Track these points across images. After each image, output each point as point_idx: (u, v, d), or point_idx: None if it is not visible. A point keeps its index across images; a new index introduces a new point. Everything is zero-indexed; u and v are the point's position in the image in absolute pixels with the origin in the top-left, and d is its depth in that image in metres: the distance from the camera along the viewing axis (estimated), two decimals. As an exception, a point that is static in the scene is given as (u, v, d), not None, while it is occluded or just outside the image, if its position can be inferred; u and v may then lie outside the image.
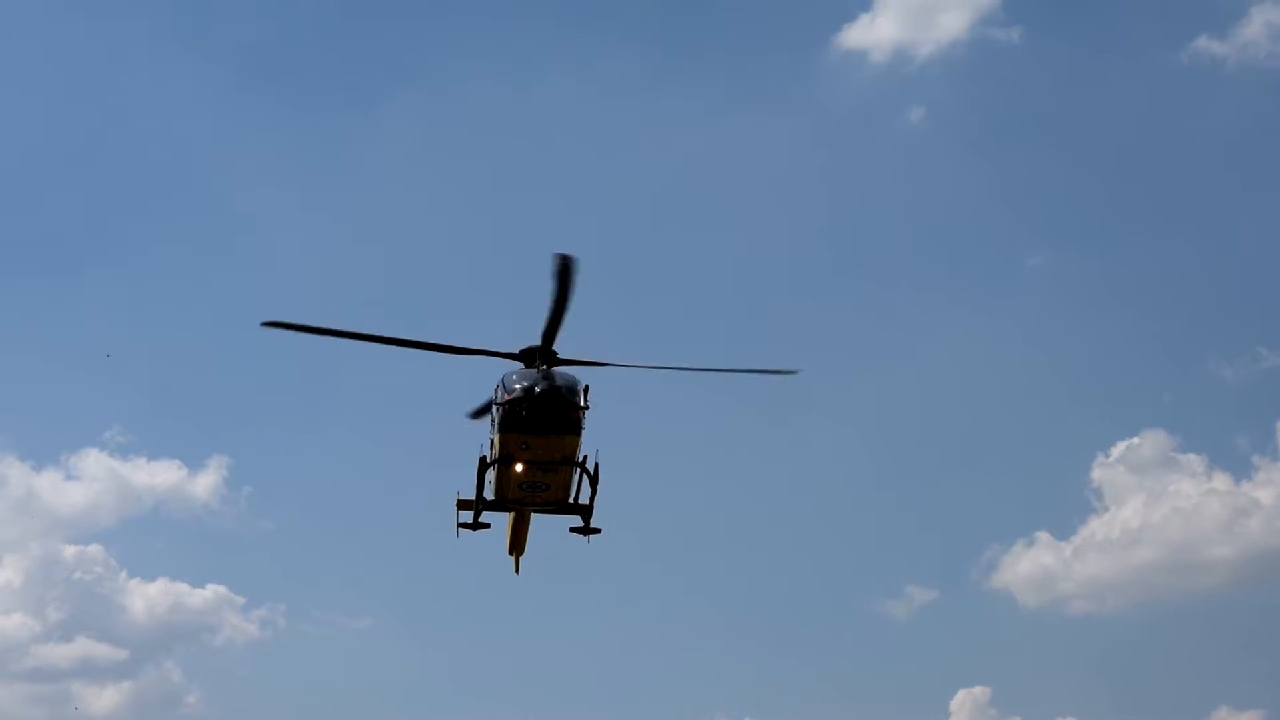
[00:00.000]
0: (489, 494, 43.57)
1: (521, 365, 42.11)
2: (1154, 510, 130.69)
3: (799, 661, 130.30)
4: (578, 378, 41.47)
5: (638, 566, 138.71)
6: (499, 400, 41.58)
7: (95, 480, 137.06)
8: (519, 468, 41.74)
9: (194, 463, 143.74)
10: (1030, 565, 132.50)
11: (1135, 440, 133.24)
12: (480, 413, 43.89)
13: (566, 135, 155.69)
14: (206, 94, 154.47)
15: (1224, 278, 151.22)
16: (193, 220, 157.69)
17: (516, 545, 47.74)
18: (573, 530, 44.73)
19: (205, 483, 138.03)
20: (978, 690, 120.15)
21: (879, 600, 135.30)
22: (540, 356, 41.70)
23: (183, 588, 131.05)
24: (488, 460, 42.87)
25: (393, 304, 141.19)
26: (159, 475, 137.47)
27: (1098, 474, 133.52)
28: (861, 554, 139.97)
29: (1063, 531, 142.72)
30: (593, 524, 44.47)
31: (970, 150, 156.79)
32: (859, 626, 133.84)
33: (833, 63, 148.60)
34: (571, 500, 43.67)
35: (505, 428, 41.05)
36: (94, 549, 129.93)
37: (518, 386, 41.04)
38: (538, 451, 41.14)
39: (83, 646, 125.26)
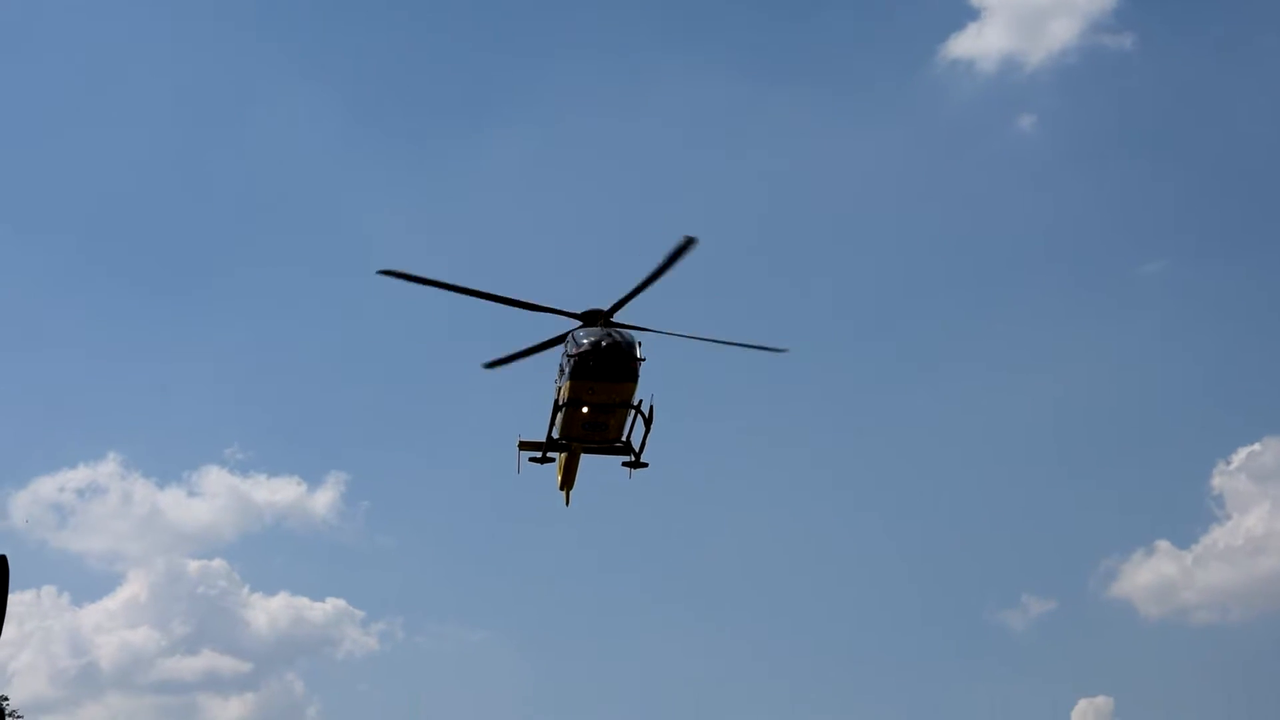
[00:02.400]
0: (555, 433, 51.17)
1: (583, 324, 49.03)
2: (1278, 518, 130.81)
3: (916, 674, 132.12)
4: (634, 335, 48.61)
5: (753, 584, 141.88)
6: (570, 352, 48.69)
7: (217, 497, 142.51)
8: (585, 410, 48.97)
9: (312, 479, 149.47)
10: (1150, 575, 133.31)
11: (1256, 447, 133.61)
12: (495, 363, 51.49)
13: (675, 153, 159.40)
14: (324, 120, 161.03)
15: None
16: (311, 241, 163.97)
17: (568, 481, 54.64)
18: (624, 464, 51.92)
19: (324, 499, 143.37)
20: (1100, 700, 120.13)
21: (996, 611, 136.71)
22: (601, 318, 48.76)
23: (303, 602, 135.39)
24: (557, 405, 50.04)
25: (500, 323, 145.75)
26: (279, 492, 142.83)
27: (1219, 481, 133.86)
28: (978, 564, 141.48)
29: (1184, 540, 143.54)
30: (643, 467, 52.15)
31: (1083, 157, 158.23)
32: (975, 637, 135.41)
33: (940, 73, 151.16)
34: (624, 440, 51.06)
35: (575, 375, 48.16)
36: (218, 563, 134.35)
37: (586, 341, 48.13)
38: (601, 395, 48.41)
39: (208, 659, 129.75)
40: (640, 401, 49.04)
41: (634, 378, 47.86)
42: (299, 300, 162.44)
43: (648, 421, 49.66)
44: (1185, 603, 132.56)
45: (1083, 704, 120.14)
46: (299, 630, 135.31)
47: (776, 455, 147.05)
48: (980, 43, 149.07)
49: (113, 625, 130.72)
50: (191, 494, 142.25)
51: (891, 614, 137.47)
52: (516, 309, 48.63)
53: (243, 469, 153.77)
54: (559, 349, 49.83)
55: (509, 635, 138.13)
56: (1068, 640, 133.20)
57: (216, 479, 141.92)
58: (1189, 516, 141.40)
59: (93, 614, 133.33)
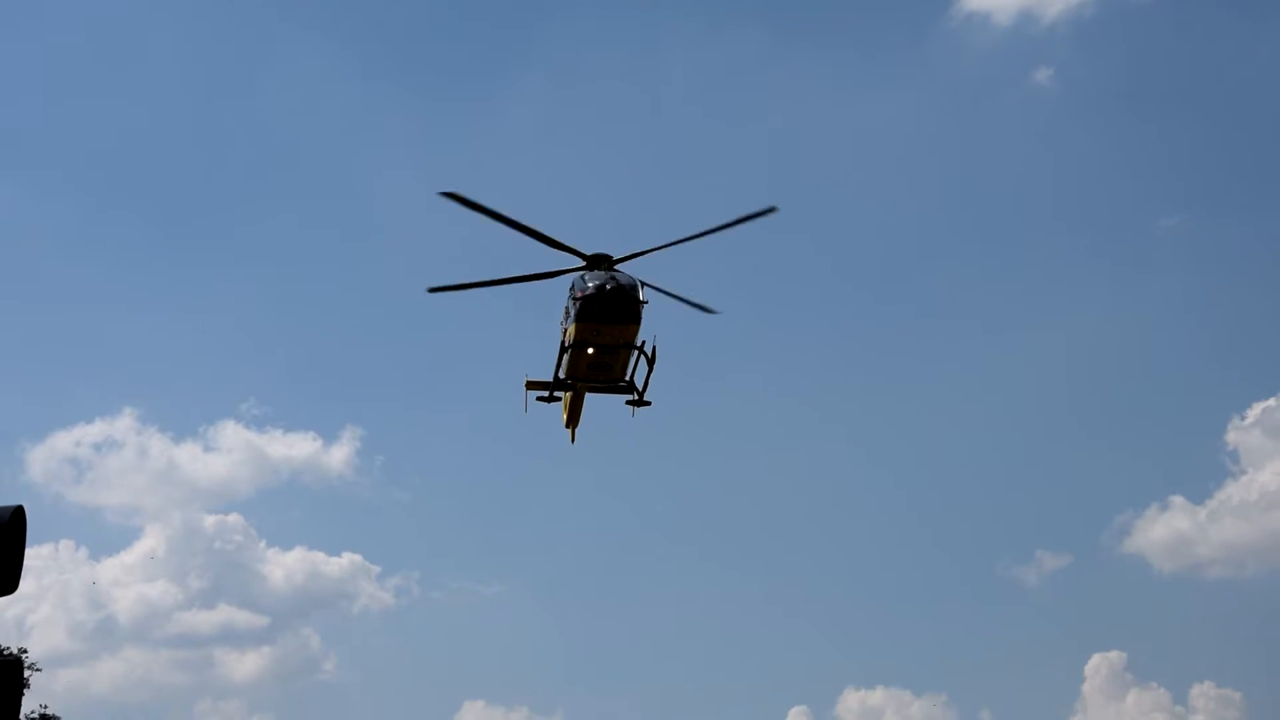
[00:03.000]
0: (561, 374, 53.04)
1: (587, 268, 50.38)
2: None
3: (931, 630, 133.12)
4: (636, 278, 49.90)
5: (766, 537, 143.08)
6: (574, 295, 50.29)
7: (233, 452, 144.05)
8: (590, 350, 50.72)
9: (328, 434, 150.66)
10: (1165, 530, 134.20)
11: (1271, 402, 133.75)
12: (440, 289, 52.92)
13: (688, 112, 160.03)
14: (340, 76, 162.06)
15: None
16: (323, 198, 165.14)
17: (573, 419, 56.36)
18: (628, 403, 53.61)
19: (339, 454, 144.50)
20: (1113, 655, 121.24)
21: (1010, 566, 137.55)
22: (607, 262, 50.16)
23: (319, 556, 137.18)
24: (564, 347, 51.75)
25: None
26: (294, 447, 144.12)
27: (1233, 437, 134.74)
28: (993, 519, 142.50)
29: (1198, 495, 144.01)
30: (647, 401, 53.49)
31: (1100, 111, 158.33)
32: (991, 593, 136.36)
33: (956, 27, 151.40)
34: (628, 379, 52.81)
35: (581, 318, 49.82)
36: (234, 518, 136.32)
37: (591, 285, 49.64)
38: (606, 337, 50.12)
39: (225, 613, 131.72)
40: (644, 342, 50.79)
41: (637, 320, 49.52)
42: (314, 256, 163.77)
43: (650, 361, 51.45)
44: (1199, 557, 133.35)
45: (1096, 658, 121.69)
46: (315, 585, 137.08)
47: (791, 408, 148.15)
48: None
49: (130, 579, 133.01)
50: (208, 449, 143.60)
51: (907, 570, 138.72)
52: (538, 243, 49.96)
53: (259, 424, 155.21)
54: (537, 283, 51.45)
55: (523, 589, 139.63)
56: (1082, 595, 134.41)
57: (233, 434, 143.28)
58: (1204, 472, 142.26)
59: (110, 568, 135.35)
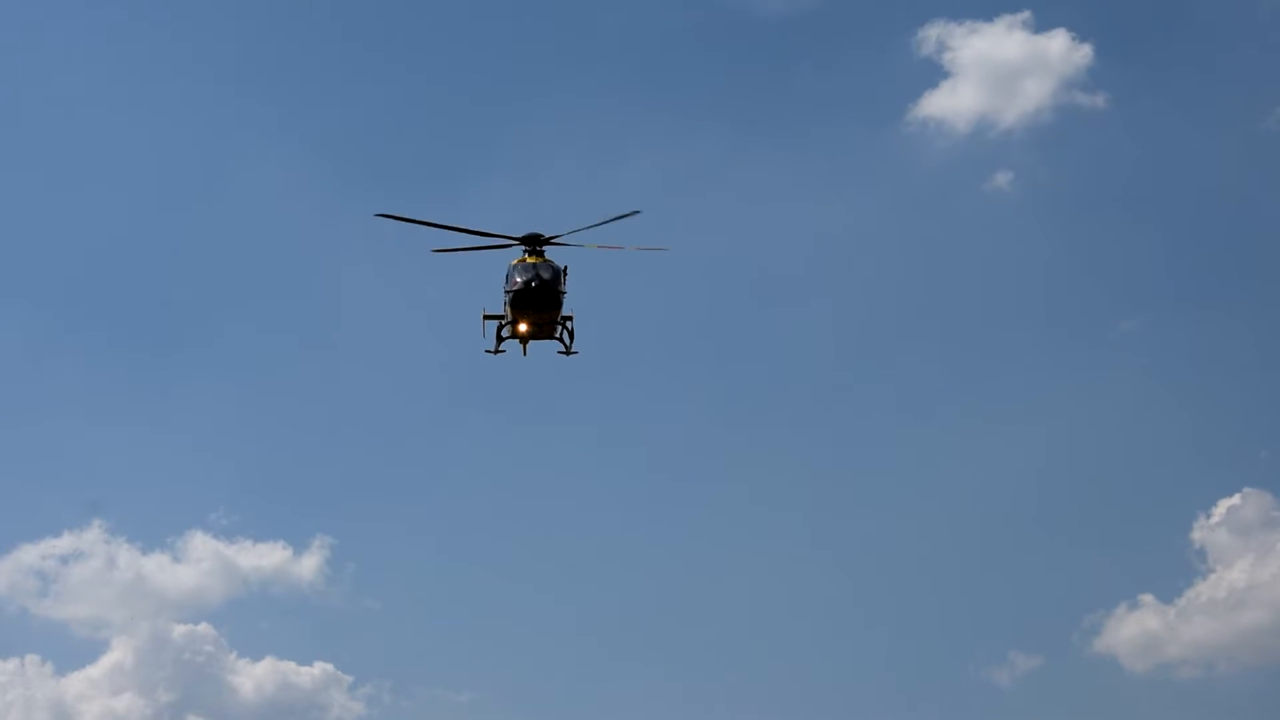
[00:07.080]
0: (505, 334, 66.12)
1: (524, 250, 63.42)
2: (1261, 570, 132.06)
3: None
4: (559, 266, 63.85)
5: (731, 637, 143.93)
6: (507, 287, 63.98)
7: (201, 562, 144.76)
8: (523, 326, 64.44)
9: (298, 543, 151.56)
10: (1135, 629, 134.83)
11: (1236, 500, 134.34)
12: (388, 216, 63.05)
13: (649, 216, 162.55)
14: (304, 183, 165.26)
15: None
16: (291, 304, 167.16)
17: (524, 342, 67.28)
18: (559, 353, 66.86)
19: (309, 563, 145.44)
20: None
21: (982, 667, 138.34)
22: (536, 243, 63.25)
23: (290, 666, 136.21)
24: (504, 319, 65.06)
25: (487, 383, 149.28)
26: (264, 557, 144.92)
27: (1199, 535, 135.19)
28: (962, 620, 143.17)
29: (1167, 594, 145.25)
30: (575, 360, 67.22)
31: (1059, 215, 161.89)
32: (962, 695, 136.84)
33: (913, 131, 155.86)
34: (557, 336, 66.22)
35: (514, 305, 63.85)
36: (203, 628, 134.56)
37: (520, 280, 63.31)
38: (535, 318, 64.06)
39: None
40: (565, 317, 64.79)
41: (558, 306, 63.87)
42: (280, 364, 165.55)
43: (571, 334, 65.51)
44: (1170, 657, 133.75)
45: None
46: (285, 695, 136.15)
47: (754, 506, 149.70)
48: (953, 101, 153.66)
49: (96, 693, 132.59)
50: (176, 559, 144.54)
51: (879, 671, 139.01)
52: (470, 236, 62.08)
53: (228, 534, 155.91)
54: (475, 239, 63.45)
55: (497, 695, 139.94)
56: (1056, 696, 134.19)
57: (201, 544, 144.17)
58: (1172, 570, 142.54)
59: (76, 682, 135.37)
